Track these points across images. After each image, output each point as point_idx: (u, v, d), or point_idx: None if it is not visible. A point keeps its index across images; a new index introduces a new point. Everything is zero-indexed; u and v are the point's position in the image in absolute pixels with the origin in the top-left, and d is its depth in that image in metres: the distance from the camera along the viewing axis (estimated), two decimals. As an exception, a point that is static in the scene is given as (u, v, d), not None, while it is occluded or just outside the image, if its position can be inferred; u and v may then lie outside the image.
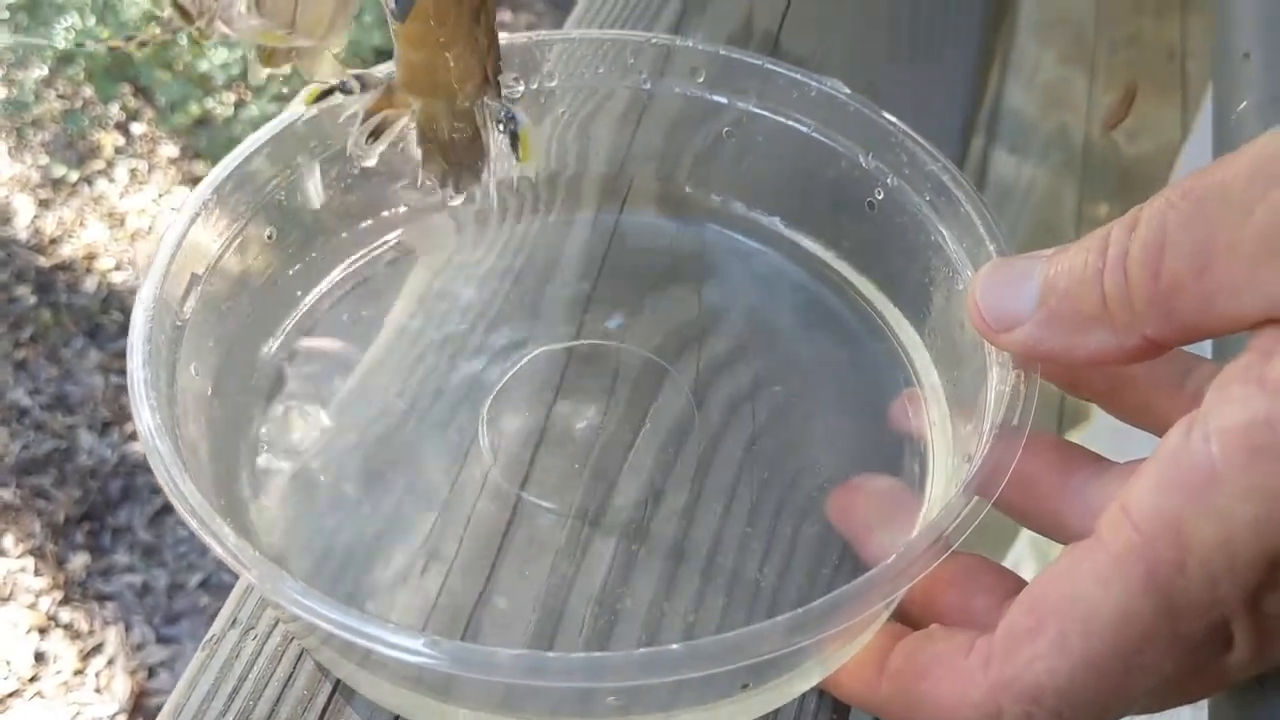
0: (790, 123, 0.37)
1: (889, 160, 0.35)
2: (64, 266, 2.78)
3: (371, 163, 0.36)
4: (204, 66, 2.54)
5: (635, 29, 0.49)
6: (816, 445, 0.36)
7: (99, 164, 2.97)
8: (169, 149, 2.94)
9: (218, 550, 0.26)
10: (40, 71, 2.93)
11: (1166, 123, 2.30)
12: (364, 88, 0.36)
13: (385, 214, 0.38)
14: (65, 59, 2.70)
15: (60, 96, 3.08)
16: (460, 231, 0.40)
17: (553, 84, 0.38)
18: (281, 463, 0.34)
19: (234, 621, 0.31)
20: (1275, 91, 0.42)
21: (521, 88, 0.37)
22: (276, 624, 0.31)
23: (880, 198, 0.35)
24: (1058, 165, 2.22)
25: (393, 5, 0.32)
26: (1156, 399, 0.30)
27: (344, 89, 0.36)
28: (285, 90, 2.61)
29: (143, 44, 0.32)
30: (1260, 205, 0.23)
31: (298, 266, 0.36)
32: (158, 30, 0.31)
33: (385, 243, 0.38)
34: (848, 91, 0.35)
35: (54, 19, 2.73)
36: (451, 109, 0.35)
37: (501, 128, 0.36)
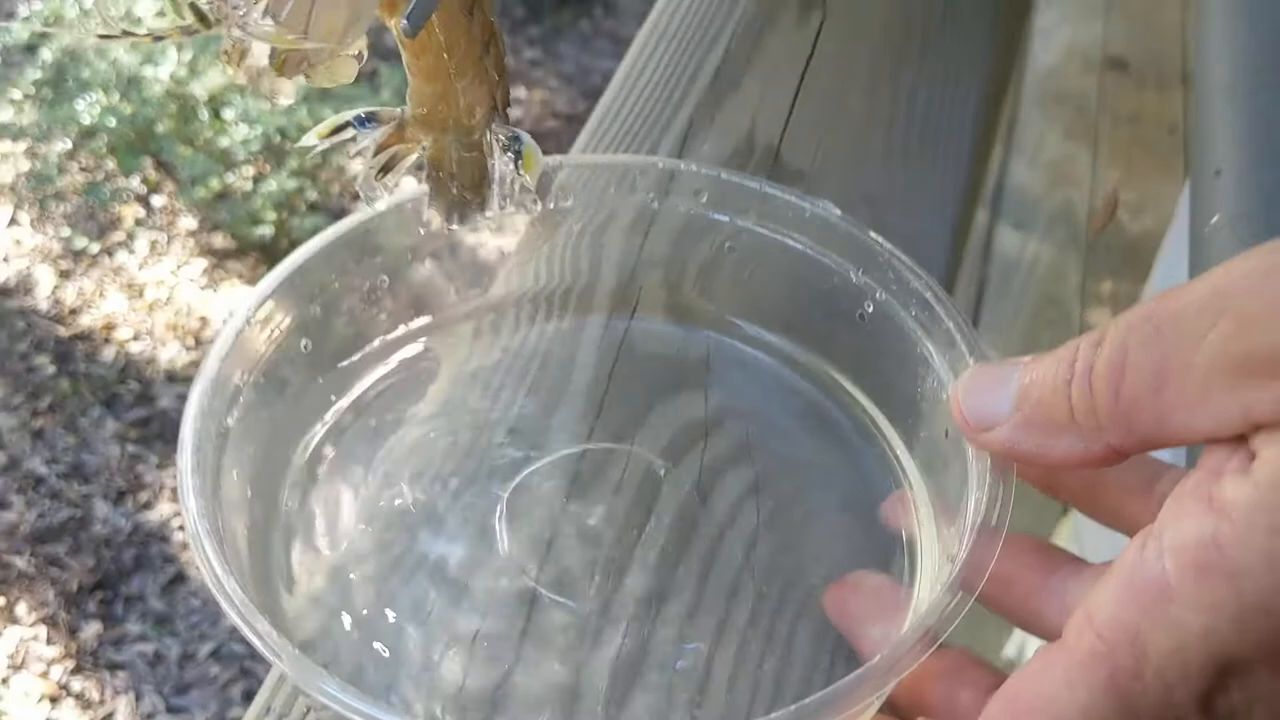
0: (787, 240, 0.40)
1: (877, 277, 0.38)
2: (83, 336, 2.83)
3: (381, 197, 0.38)
4: (225, 142, 2.60)
5: (648, 138, 0.52)
6: (813, 543, 0.38)
7: (119, 235, 3.02)
8: (188, 221, 3.00)
9: (257, 644, 0.28)
10: (64, 145, 2.99)
11: (1168, 199, 2.33)
12: (375, 123, 0.37)
13: (412, 324, 0.41)
14: (88, 133, 2.76)
15: (83, 169, 3.14)
16: (479, 337, 0.43)
17: (567, 203, 0.41)
18: (313, 558, 0.36)
19: (268, 709, 0.34)
20: (1244, 208, 0.44)
21: (539, 207, 0.40)
22: (309, 711, 0.33)
23: (870, 311, 0.38)
24: (1062, 240, 2.26)
25: (404, 23, 0.33)
26: (1127, 503, 0.32)
27: (355, 124, 0.37)
28: (307, 164, 2.67)
29: (159, 38, 0.32)
30: (1211, 332, 0.25)
31: (330, 374, 0.39)
32: (177, 30, 0.32)
33: (410, 350, 0.41)
34: (839, 213, 0.38)
35: (78, 95, 2.79)
36: (461, 140, 0.37)
37: (508, 150, 0.37)
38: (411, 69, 0.36)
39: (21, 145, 3.15)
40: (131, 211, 3.05)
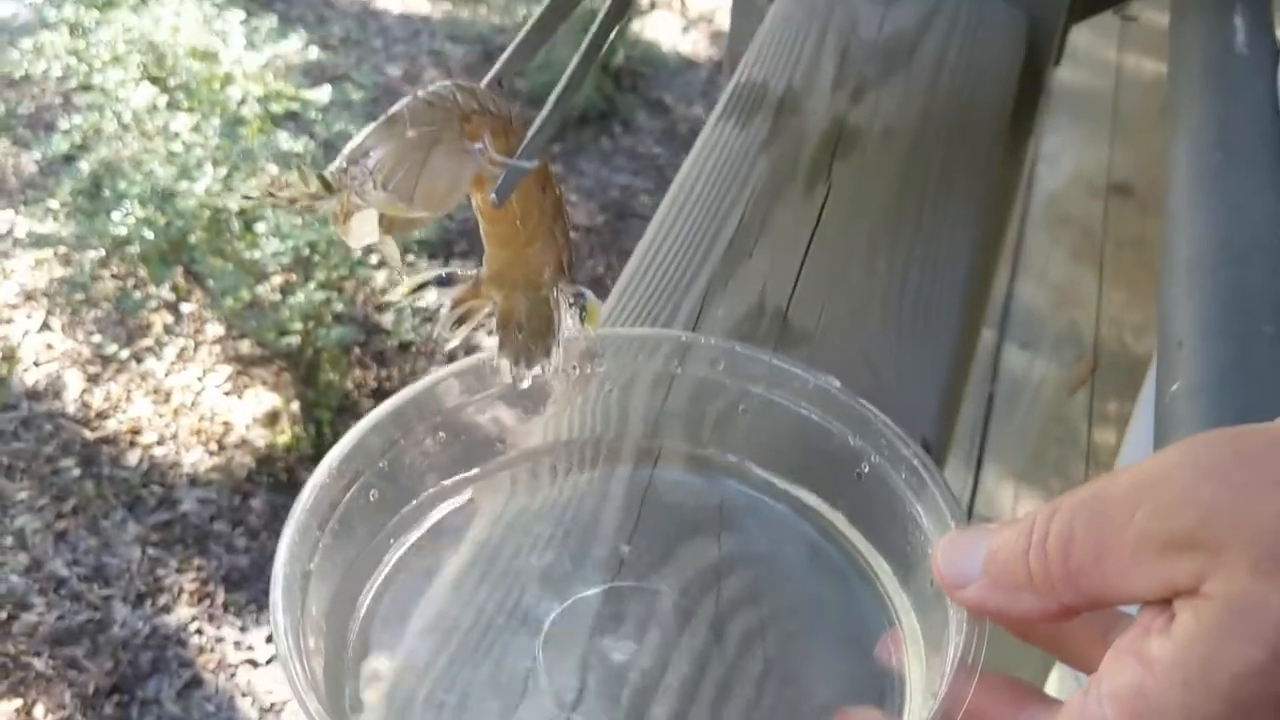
0: (793, 405, 0.45)
1: (873, 442, 0.43)
2: (108, 440, 2.89)
3: (455, 344, 0.43)
4: (256, 254, 2.69)
5: (670, 299, 0.58)
6: (815, 676, 0.43)
7: (148, 341, 3.11)
8: (215, 329, 3.08)
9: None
10: (97, 253, 3.09)
11: (1172, 321, 2.39)
12: (452, 282, 0.43)
13: (460, 475, 0.47)
14: (122, 242, 2.85)
15: (115, 277, 3.24)
16: (516, 486, 0.48)
17: (602, 368, 0.47)
18: (373, 685, 0.41)
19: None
20: (1202, 378, 0.50)
21: (576, 372, 0.45)
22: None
23: (867, 471, 0.44)
24: (1068, 360, 2.32)
25: (492, 196, 0.39)
26: (1088, 648, 0.38)
27: (436, 283, 0.43)
28: (334, 277, 2.74)
29: (293, 202, 0.38)
30: (1138, 514, 0.31)
31: (392, 521, 0.44)
32: (307, 196, 0.37)
33: (457, 500, 0.47)
34: (839, 385, 0.44)
35: (114, 206, 2.89)
36: (530, 297, 0.43)
37: (573, 305, 0.43)
38: (488, 235, 0.42)
39: (57, 253, 3.25)
40: (160, 319, 3.13)
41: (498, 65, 0.43)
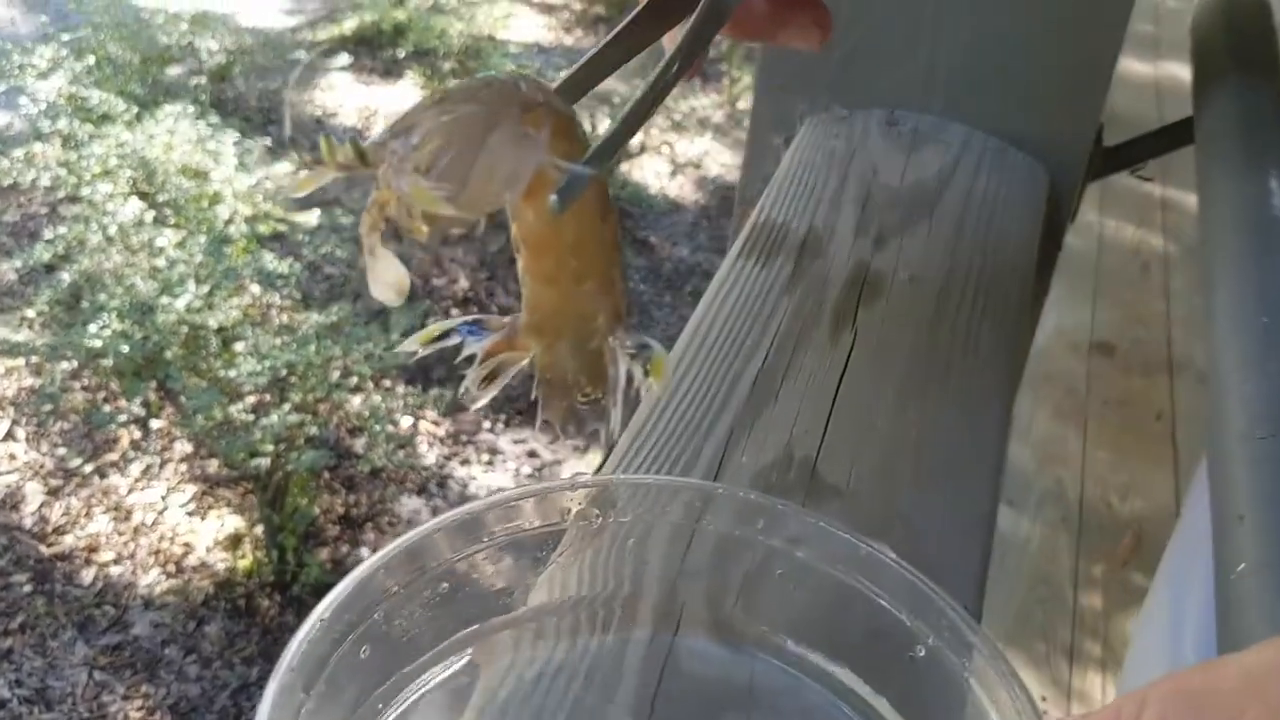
0: (836, 573, 0.41)
1: (931, 623, 0.39)
2: (64, 556, 2.79)
3: (483, 404, 0.37)
4: (232, 374, 2.64)
5: (691, 443, 0.54)
6: None
7: (113, 456, 3.03)
8: (184, 446, 3.01)
9: None
10: (70, 365, 3.03)
11: (1159, 485, 2.37)
12: (483, 330, 0.36)
13: (460, 633, 0.42)
14: (96, 354, 2.80)
15: (85, 389, 3.18)
16: (519, 648, 0.43)
17: (626, 518, 0.42)
18: None
19: None
20: (1271, 554, 0.46)
21: (600, 520, 0.41)
22: None
23: (922, 654, 0.39)
24: (1053, 520, 2.28)
25: (553, 200, 0.32)
26: None
27: (462, 332, 0.36)
28: (310, 400, 2.70)
29: (317, 163, 0.31)
30: (1249, 713, 0.27)
31: (386, 683, 0.39)
32: (335, 164, 0.31)
33: (456, 662, 0.42)
34: (894, 557, 0.39)
35: (91, 318, 2.85)
36: (579, 349, 0.36)
37: (636, 358, 0.36)
38: (531, 271, 0.35)
39: (28, 362, 3.19)
40: (128, 434, 3.06)
41: (567, 73, 0.37)
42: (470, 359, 0.38)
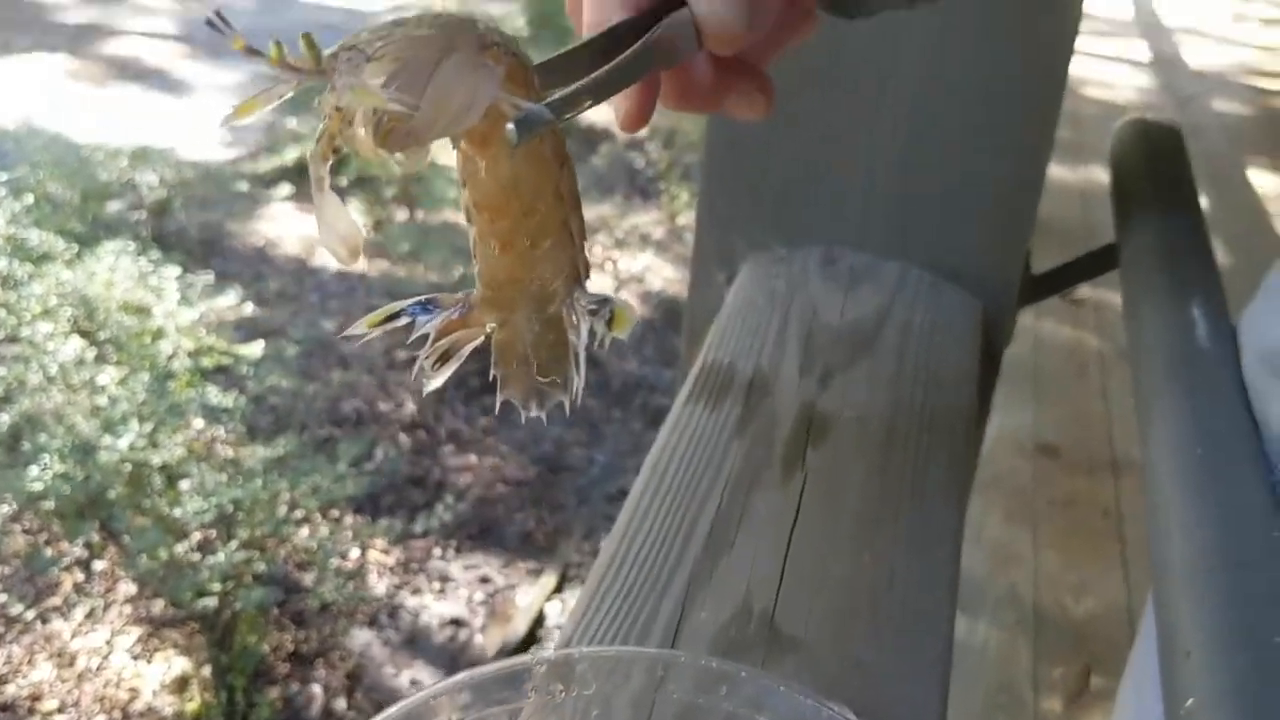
0: (802, 734, 0.41)
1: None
2: (6, 706, 2.69)
3: (437, 385, 0.35)
4: (177, 512, 2.60)
5: (649, 600, 0.55)
6: None
7: (56, 600, 2.95)
8: (128, 587, 2.94)
9: None
10: (8, 509, 2.97)
11: (1110, 583, 2.39)
12: (435, 309, 0.34)
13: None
14: (38, 497, 2.75)
15: (26, 532, 3.11)
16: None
17: (588, 691, 0.43)
18: None
19: None
20: (1218, 690, 0.47)
21: (563, 693, 0.41)
22: None
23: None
24: (1009, 624, 2.29)
25: (510, 129, 0.30)
26: None
27: (412, 312, 0.35)
28: (257, 535, 2.65)
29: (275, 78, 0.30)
30: None
31: None
32: (287, 67, 0.30)
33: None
34: (853, 717, 0.40)
35: (32, 460, 2.80)
36: (537, 319, 0.34)
37: (597, 314, 0.34)
38: (486, 237, 0.33)
39: (-34, 508, 3.11)
40: (71, 577, 2.98)
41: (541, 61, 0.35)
42: (423, 340, 0.36)
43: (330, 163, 0.32)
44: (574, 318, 0.34)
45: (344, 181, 5.10)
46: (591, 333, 0.35)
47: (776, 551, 0.58)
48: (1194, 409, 0.61)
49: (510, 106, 0.31)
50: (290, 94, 0.32)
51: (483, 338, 0.35)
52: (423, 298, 0.35)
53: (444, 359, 0.34)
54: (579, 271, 0.35)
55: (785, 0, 0.40)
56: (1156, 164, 0.88)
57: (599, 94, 0.33)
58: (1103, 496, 2.65)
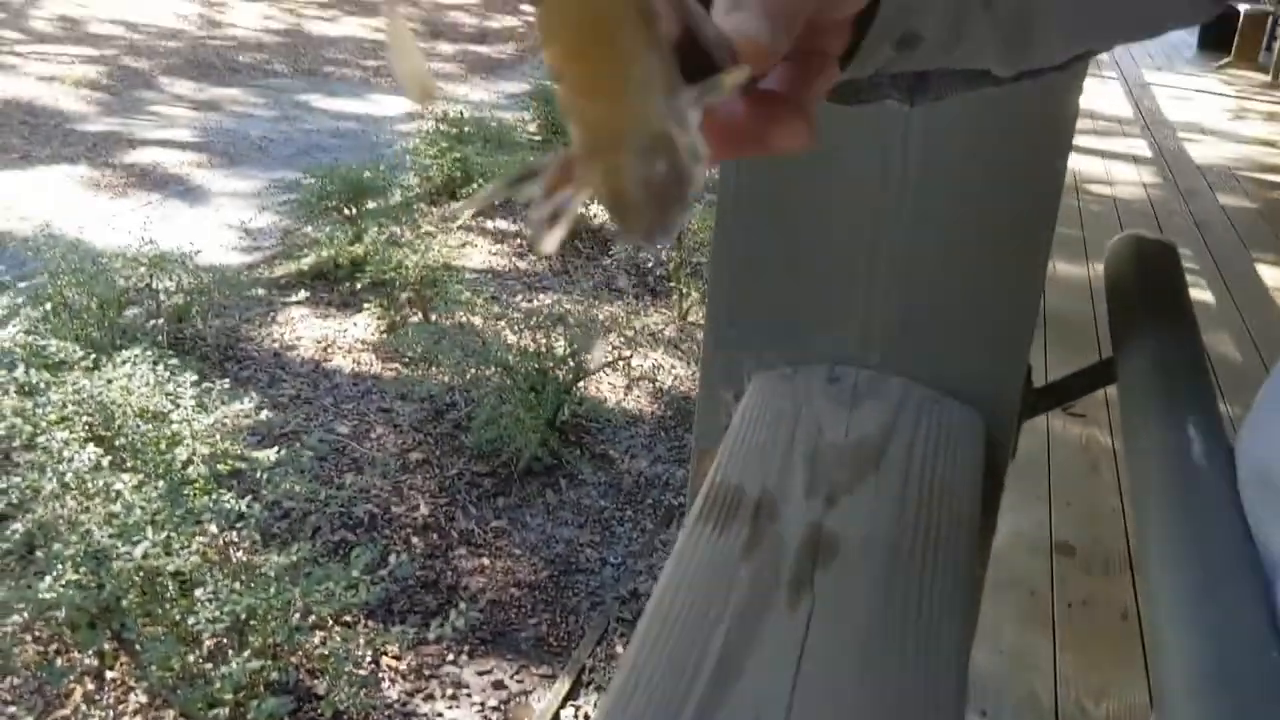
0: None
1: None
2: (13, 823, 2.66)
3: (552, 248, 0.33)
4: (191, 621, 2.60)
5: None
6: None
7: (65, 712, 2.93)
8: (139, 697, 2.92)
9: None
10: (20, 618, 2.96)
11: (1131, 685, 2.37)
12: (532, 176, 0.33)
13: None
14: (50, 606, 2.74)
15: (37, 641, 3.10)
16: None
17: None
18: None
19: None
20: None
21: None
22: None
23: None
24: (1031, 730, 2.26)
25: None
26: None
27: (513, 184, 0.34)
28: (270, 644, 2.64)
29: None
30: None
31: None
32: None
33: None
34: None
35: (46, 569, 2.80)
36: (642, 142, 0.32)
37: (706, 97, 0.32)
38: (573, 88, 0.32)
39: (-24, 621, 3.11)
40: (82, 687, 2.97)
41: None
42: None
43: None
44: (681, 124, 0.32)
45: (359, 286, 5.17)
46: (701, 120, 0.33)
47: (785, 678, 0.58)
48: (1191, 531, 0.62)
49: None
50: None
51: (588, 191, 0.33)
52: (516, 174, 0.33)
53: (554, 219, 0.33)
54: (673, 80, 0.32)
55: (804, 43, 0.40)
56: (1151, 280, 0.90)
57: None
58: (1121, 596, 2.63)
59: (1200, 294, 4.80)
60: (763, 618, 0.63)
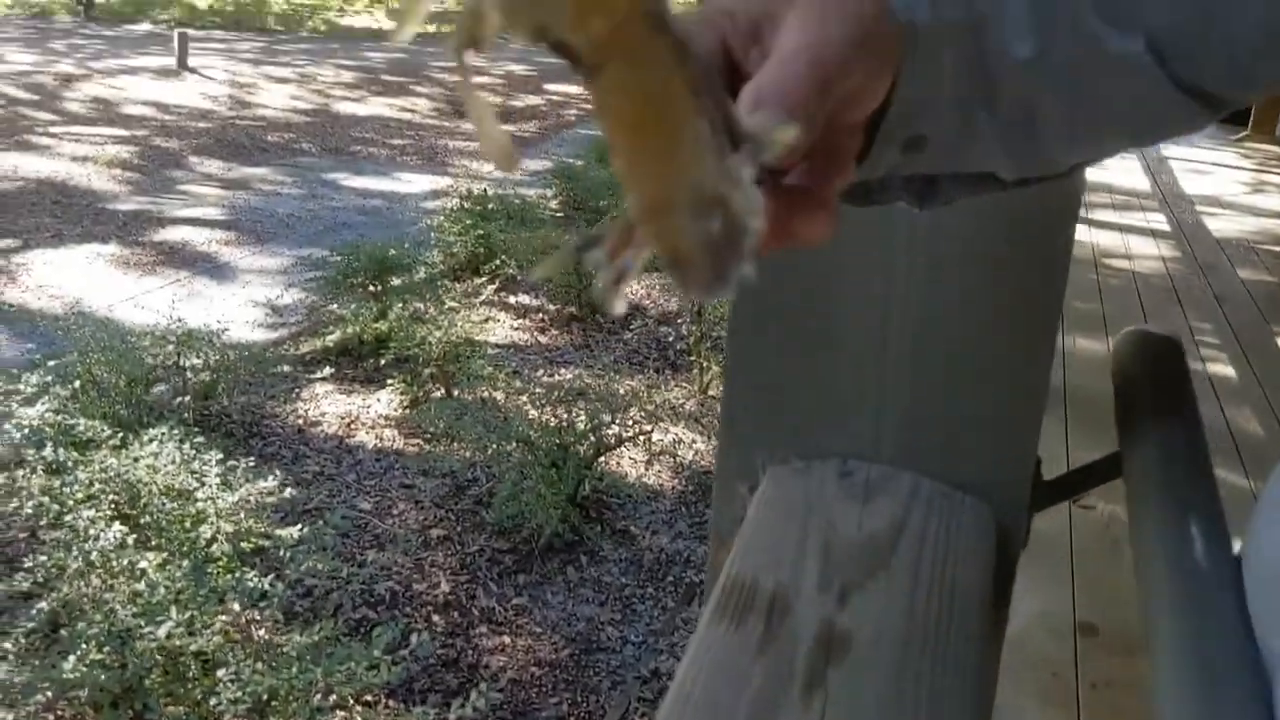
0: None
1: None
2: None
3: (621, 309, 0.35)
4: (213, 701, 2.61)
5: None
6: None
7: (84, 802, 2.92)
8: (157, 781, 2.91)
9: None
10: (42, 698, 2.97)
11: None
12: (598, 241, 0.35)
13: None
14: (73, 685, 2.76)
15: (60, 720, 3.10)
16: None
17: None
18: None
19: None
20: None
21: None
22: None
23: None
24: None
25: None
26: None
27: (581, 249, 0.36)
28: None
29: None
30: None
31: None
32: None
33: None
34: None
35: (69, 649, 2.82)
36: (698, 204, 0.34)
37: (755, 154, 0.34)
38: (629, 159, 0.34)
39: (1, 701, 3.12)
40: (103, 770, 2.97)
41: None
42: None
43: (472, 50, 0.33)
44: (734, 183, 0.34)
45: (383, 362, 5.23)
46: (758, 174, 0.35)
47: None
48: (1191, 628, 0.64)
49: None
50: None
51: (649, 251, 0.35)
52: (583, 236, 0.36)
53: (618, 281, 0.35)
54: (724, 145, 0.35)
55: (822, 143, 0.43)
56: (1157, 376, 0.92)
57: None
58: (1144, 677, 2.60)
59: (1221, 368, 4.80)
60: (777, 715, 0.65)
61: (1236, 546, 0.71)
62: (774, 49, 0.42)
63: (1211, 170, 9.77)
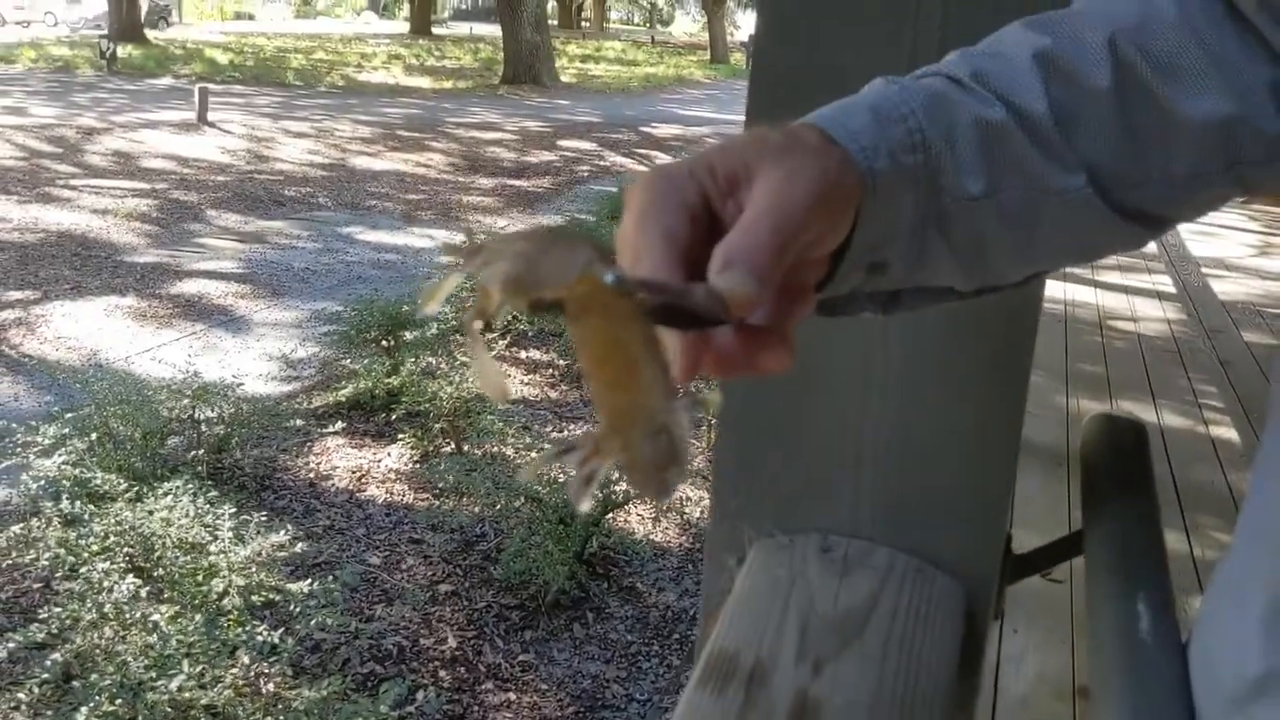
0: None
1: None
2: None
3: (588, 506, 0.45)
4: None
5: None
6: None
7: None
8: None
9: None
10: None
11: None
12: (572, 449, 0.44)
13: None
14: (87, 736, 2.80)
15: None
16: None
17: None
18: None
19: None
20: None
21: None
22: None
23: None
24: None
25: (610, 276, 0.43)
26: None
27: (559, 455, 0.45)
28: None
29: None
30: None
31: None
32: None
33: None
34: None
35: (82, 701, 2.87)
36: (651, 433, 0.43)
37: (693, 407, 0.44)
38: (600, 383, 0.44)
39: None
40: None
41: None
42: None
43: (480, 325, 0.46)
44: (677, 419, 0.44)
45: (394, 417, 5.30)
46: (694, 422, 0.48)
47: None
48: (1134, 705, 0.70)
49: (603, 269, 0.44)
50: (455, 283, 0.51)
51: (611, 461, 0.44)
52: (560, 445, 0.45)
53: (587, 482, 0.44)
54: (672, 388, 0.45)
55: (785, 280, 0.51)
56: (1120, 459, 0.98)
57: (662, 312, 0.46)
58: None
59: (1225, 432, 4.83)
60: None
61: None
62: (746, 205, 0.49)
63: (1218, 232, 9.84)
